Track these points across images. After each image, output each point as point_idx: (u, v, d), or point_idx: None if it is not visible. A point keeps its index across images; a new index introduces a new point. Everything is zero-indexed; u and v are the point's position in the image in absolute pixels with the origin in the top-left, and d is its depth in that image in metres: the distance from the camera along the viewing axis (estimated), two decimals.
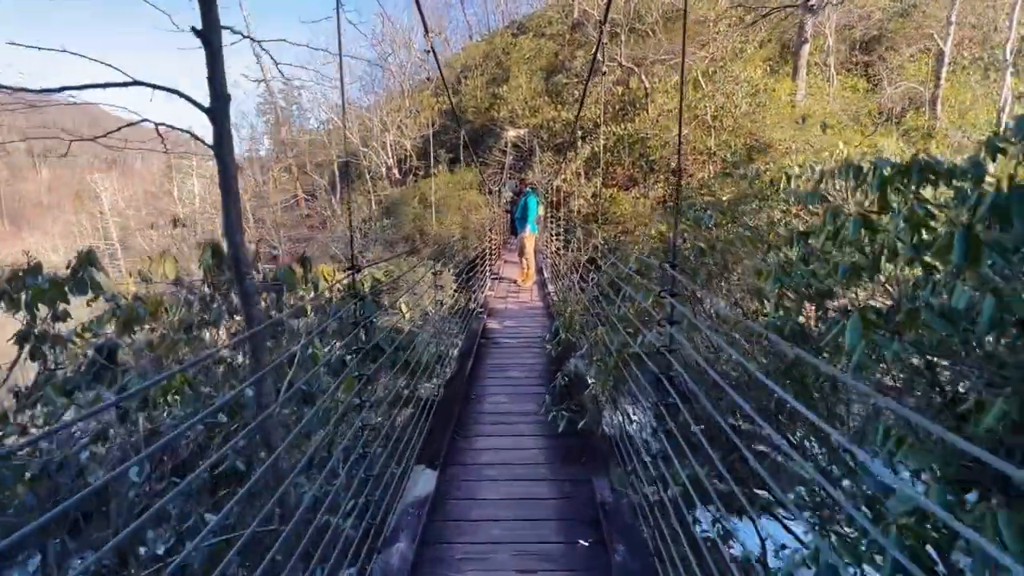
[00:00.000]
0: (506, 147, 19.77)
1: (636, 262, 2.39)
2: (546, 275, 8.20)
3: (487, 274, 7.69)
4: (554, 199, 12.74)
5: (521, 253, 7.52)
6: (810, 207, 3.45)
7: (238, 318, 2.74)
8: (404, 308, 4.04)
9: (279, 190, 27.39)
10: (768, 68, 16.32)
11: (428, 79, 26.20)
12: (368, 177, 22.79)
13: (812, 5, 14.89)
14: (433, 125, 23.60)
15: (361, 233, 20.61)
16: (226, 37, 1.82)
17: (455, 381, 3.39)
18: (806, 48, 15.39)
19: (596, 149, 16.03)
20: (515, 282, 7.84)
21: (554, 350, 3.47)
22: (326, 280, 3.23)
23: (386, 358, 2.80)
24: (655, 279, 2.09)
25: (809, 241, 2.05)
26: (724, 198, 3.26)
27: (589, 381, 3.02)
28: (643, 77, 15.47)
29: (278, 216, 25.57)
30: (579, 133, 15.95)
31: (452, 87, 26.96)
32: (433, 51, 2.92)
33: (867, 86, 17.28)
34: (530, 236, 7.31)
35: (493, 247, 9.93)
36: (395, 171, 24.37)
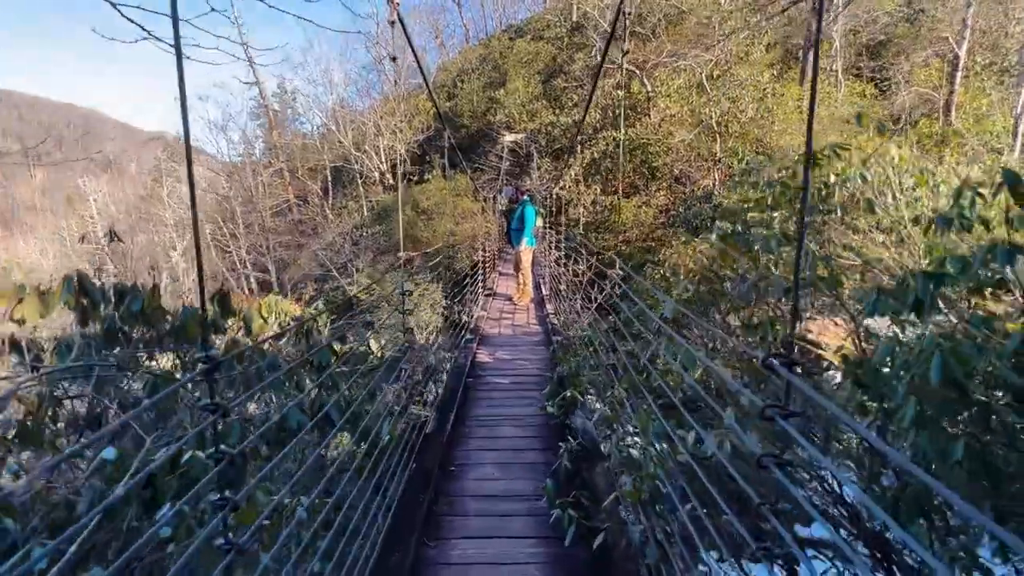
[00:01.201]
0: (502, 152, 19.14)
1: (674, 311, 1.69)
2: (544, 292, 7.50)
3: (479, 290, 6.98)
4: (553, 207, 12.07)
5: (517, 268, 6.82)
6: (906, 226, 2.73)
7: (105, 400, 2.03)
8: (374, 344, 3.32)
9: (268, 195, 26.68)
10: (773, 73, 15.79)
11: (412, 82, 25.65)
12: (360, 182, 22.12)
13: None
14: (428, 129, 22.98)
15: (352, 240, 19.91)
16: None
17: (431, 444, 2.67)
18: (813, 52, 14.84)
19: (596, 155, 15.41)
20: (510, 299, 7.14)
21: (555, 408, 2.75)
22: (262, 318, 2.51)
23: (338, 429, 2.10)
24: (722, 353, 1.40)
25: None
26: (775, 213, 2.57)
27: (604, 452, 2.31)
28: (645, 80, 14.87)
29: (266, 221, 24.84)
30: (580, 138, 15.33)
31: (448, 91, 26.38)
32: (401, 22, 2.23)
33: (875, 92, 16.78)
34: (527, 250, 6.62)
35: (487, 258, 9.25)
36: (389, 176, 23.70)
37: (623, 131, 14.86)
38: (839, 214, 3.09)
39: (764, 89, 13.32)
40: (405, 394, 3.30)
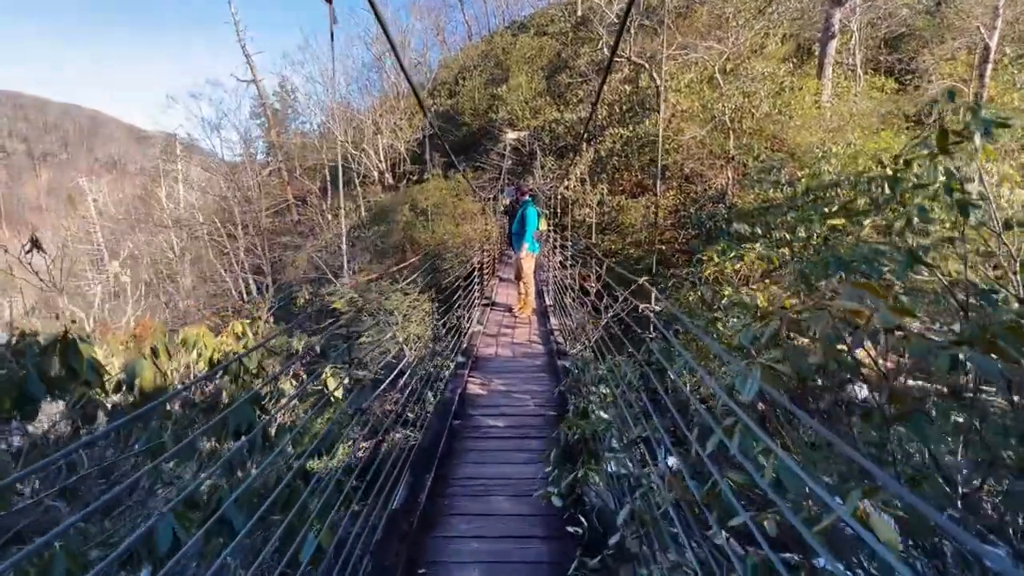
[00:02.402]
0: (505, 151, 18.45)
1: (756, 388, 1.01)
2: (548, 302, 6.82)
3: (476, 300, 6.30)
4: (558, 208, 11.39)
5: (519, 276, 6.13)
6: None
7: None
8: (332, 382, 2.67)
9: (264, 195, 26.09)
10: (789, 67, 15.04)
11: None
12: (357, 182, 21.51)
13: None
14: (430, 129, 22.35)
15: (349, 242, 19.28)
16: None
17: (397, 529, 2.00)
18: (833, 44, 14.09)
19: (603, 153, 14.71)
20: (510, 310, 6.46)
21: (562, 494, 2.02)
22: (158, 368, 1.84)
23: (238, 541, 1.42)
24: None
25: None
26: (866, 220, 1.85)
27: (635, 555, 1.63)
28: (654, 74, 14.16)
29: (262, 221, 24.25)
30: (586, 135, 14.62)
31: (449, 88, 25.74)
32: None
33: (894, 86, 15.99)
34: (528, 256, 5.93)
35: (487, 261, 8.58)
36: (388, 176, 23.07)
37: (662, 116, 14.15)
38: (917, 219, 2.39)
39: (781, 83, 12.58)
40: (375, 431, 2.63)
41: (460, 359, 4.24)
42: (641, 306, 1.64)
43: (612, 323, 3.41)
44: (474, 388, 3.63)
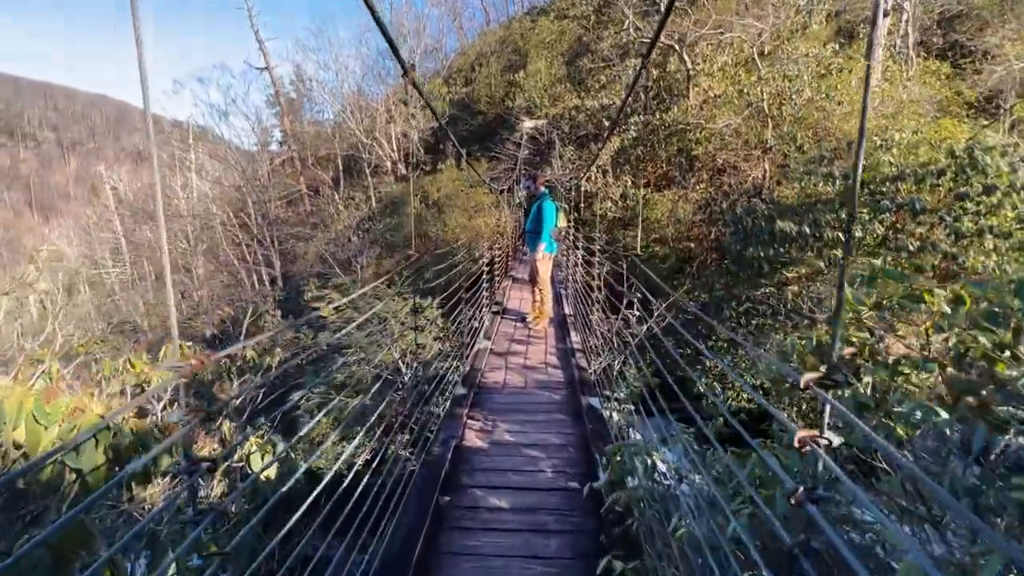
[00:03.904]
0: (521, 140, 17.47)
1: None
2: (567, 309, 5.95)
3: (484, 307, 5.46)
4: (581, 202, 10.46)
5: (533, 281, 5.27)
6: None
7: None
8: (258, 459, 2.03)
9: (274, 184, 25.57)
10: (834, 48, 13.74)
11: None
12: (368, 172, 20.76)
13: None
14: (443, 116, 21.45)
15: (359, 234, 18.61)
16: None
17: None
18: (885, 23, 12.76)
19: (626, 142, 13.68)
20: (523, 319, 5.61)
21: None
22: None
23: None
24: None
25: None
26: None
27: None
28: (685, 57, 13.02)
29: (270, 212, 23.72)
30: (613, 125, 13.59)
31: (465, 76, 24.79)
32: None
33: (950, 71, 14.53)
34: (545, 258, 5.07)
35: (499, 257, 7.73)
36: (401, 166, 22.29)
37: (691, 102, 13.04)
38: None
39: (828, 65, 11.37)
40: None
41: (460, 390, 3.42)
42: (798, 436, 0.79)
43: (656, 355, 2.55)
44: (473, 437, 2.80)
